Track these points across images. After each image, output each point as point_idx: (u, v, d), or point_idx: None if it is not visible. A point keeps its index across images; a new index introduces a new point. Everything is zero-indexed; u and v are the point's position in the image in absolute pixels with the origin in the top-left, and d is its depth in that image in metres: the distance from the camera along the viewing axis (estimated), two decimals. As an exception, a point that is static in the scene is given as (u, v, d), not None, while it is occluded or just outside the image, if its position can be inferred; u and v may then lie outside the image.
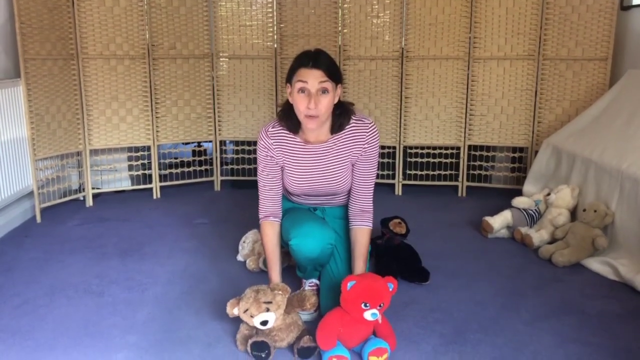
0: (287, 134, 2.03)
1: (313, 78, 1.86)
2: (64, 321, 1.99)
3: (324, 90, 1.87)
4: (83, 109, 3.34)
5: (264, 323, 1.74)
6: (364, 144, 2.01)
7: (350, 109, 2.02)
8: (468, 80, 3.55)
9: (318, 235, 1.97)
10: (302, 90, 1.88)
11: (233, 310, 1.79)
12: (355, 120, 2.02)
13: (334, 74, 1.91)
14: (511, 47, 3.47)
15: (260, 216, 2.08)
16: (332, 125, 2.00)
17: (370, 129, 2.01)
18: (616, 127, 2.81)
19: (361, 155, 2.03)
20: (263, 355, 1.73)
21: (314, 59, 1.89)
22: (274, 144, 2.03)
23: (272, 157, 2.04)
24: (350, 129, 2.01)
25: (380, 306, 1.71)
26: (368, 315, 1.70)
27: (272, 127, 2.04)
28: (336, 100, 1.95)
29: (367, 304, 1.69)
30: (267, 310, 1.74)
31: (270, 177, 2.06)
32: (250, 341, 1.74)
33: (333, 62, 1.95)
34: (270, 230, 2.06)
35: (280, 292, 1.80)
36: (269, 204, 2.07)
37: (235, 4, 3.61)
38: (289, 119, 2.00)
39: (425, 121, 3.63)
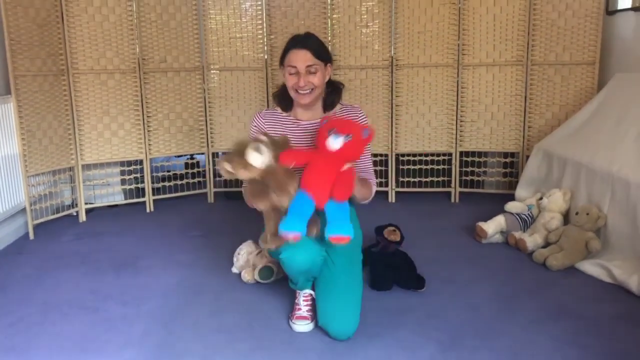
0: (280, 113, 2.18)
1: (302, 61, 2.01)
2: (59, 338, 1.97)
3: (313, 71, 2.02)
4: (74, 124, 3.33)
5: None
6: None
7: (341, 88, 2.18)
8: (458, 87, 3.57)
9: (308, 247, 1.94)
10: (291, 72, 2.04)
11: (226, 166, 1.78)
12: (345, 105, 2.21)
13: (323, 54, 2.06)
14: (500, 54, 3.50)
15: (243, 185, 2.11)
16: (324, 103, 2.15)
17: (360, 110, 2.19)
18: (606, 130, 2.84)
19: None
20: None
21: (303, 41, 2.05)
22: (267, 122, 2.17)
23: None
24: (341, 111, 2.17)
25: (347, 136, 1.71)
26: (331, 140, 1.70)
27: (266, 111, 2.23)
28: (327, 79, 2.10)
29: (333, 130, 1.71)
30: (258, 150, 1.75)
31: None
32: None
33: (322, 43, 2.11)
34: None
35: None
36: None
37: (225, 16, 3.63)
38: (282, 99, 2.15)
39: (417, 129, 3.64)
